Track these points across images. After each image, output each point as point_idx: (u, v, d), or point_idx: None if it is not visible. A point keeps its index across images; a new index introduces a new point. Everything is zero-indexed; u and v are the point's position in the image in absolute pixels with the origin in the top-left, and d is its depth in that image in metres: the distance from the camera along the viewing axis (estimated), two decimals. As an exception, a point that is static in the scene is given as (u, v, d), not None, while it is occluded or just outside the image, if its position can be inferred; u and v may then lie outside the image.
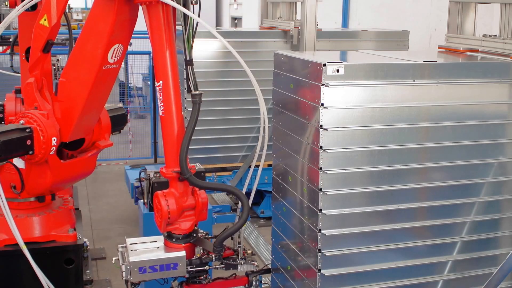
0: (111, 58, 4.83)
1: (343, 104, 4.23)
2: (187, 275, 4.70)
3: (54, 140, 5.23)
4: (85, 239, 6.91)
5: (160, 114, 4.54)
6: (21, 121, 5.19)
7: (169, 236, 4.68)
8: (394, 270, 4.59)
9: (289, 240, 4.92)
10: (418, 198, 4.58)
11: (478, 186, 4.70)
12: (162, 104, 4.49)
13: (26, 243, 5.47)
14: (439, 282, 4.75)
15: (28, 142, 5.10)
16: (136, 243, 4.72)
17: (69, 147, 5.66)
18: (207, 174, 8.32)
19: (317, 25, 8.38)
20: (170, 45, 4.44)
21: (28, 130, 5.11)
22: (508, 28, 4.99)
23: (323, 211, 4.30)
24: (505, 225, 4.83)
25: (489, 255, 4.83)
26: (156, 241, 4.78)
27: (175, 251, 4.63)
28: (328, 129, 4.21)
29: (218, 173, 9.20)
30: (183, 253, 4.61)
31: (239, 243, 4.83)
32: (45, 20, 5.06)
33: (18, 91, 6.08)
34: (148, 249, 4.66)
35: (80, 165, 5.74)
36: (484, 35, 5.33)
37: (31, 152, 5.14)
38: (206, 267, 4.74)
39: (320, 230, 4.33)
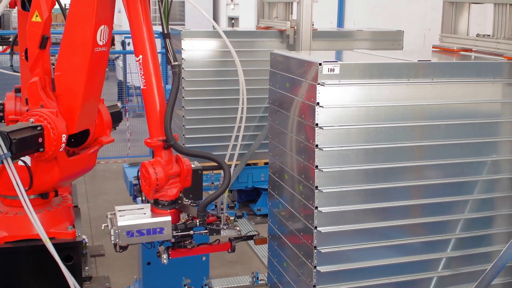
0: (100, 40, 5.03)
1: (339, 103, 4.27)
2: (172, 240, 4.87)
3: (64, 137, 5.32)
4: (84, 236, 6.96)
5: (142, 87, 4.74)
6: (31, 120, 5.25)
7: (155, 203, 4.88)
8: (389, 267, 4.63)
9: (285, 237, 4.98)
10: (413, 196, 4.62)
11: (472, 184, 4.74)
12: (143, 77, 4.71)
13: (26, 240, 5.53)
14: (433, 279, 4.79)
15: (40, 140, 5.17)
16: (124, 210, 4.90)
17: (73, 144, 5.74)
18: (204, 172, 8.34)
19: (312, 25, 8.43)
20: (146, 20, 4.65)
21: (39, 128, 5.18)
22: (502, 28, 5.00)
23: (318, 208, 4.34)
24: (498, 222, 4.88)
25: (482, 252, 4.87)
26: (143, 208, 4.97)
27: (161, 216, 4.81)
28: (324, 128, 4.25)
29: (215, 171, 9.21)
30: (169, 218, 4.81)
31: (222, 209, 5.02)
32: (36, 16, 5.17)
33: (18, 90, 6.13)
34: (135, 214, 4.85)
35: (83, 161, 5.85)
36: (477, 35, 5.35)
37: (41, 149, 5.22)
38: (191, 232, 4.91)
39: (315, 228, 4.36)
